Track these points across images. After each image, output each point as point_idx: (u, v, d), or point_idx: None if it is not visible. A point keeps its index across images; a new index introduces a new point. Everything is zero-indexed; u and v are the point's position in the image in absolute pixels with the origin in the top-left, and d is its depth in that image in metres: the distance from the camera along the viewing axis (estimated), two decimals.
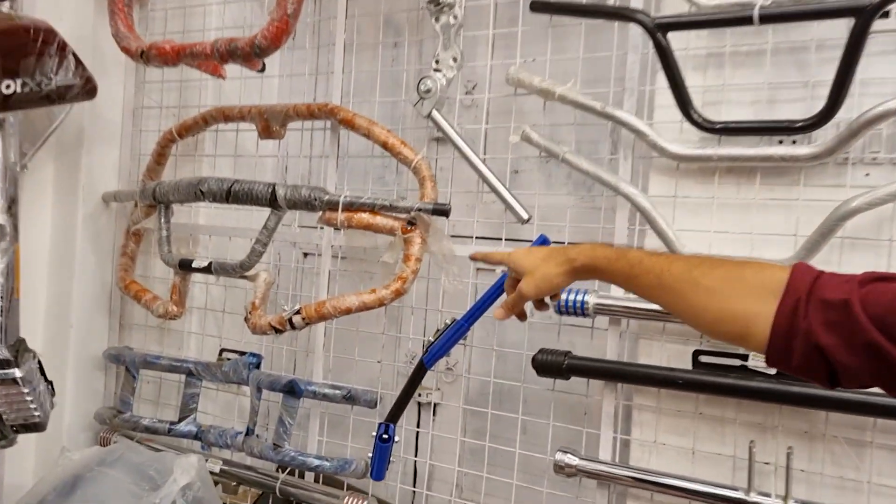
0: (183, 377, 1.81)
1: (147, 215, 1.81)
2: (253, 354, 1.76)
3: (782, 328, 0.76)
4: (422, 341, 1.81)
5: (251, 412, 1.72)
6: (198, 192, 1.62)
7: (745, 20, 1.21)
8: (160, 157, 1.88)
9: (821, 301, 0.74)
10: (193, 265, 1.66)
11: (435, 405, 1.88)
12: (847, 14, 1.14)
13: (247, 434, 1.70)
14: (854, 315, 0.70)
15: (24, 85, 1.47)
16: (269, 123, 1.71)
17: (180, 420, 1.79)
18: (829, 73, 1.18)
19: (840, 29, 1.19)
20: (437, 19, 1.53)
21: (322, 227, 1.69)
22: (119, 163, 1.99)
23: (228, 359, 1.78)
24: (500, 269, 1.49)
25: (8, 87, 1.45)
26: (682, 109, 1.29)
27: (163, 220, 1.72)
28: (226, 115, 1.77)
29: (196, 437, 1.77)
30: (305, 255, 2.01)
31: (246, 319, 1.61)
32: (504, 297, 1.14)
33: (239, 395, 1.84)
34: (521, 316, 1.13)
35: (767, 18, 1.20)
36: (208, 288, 1.90)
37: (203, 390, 1.82)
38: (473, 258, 1.25)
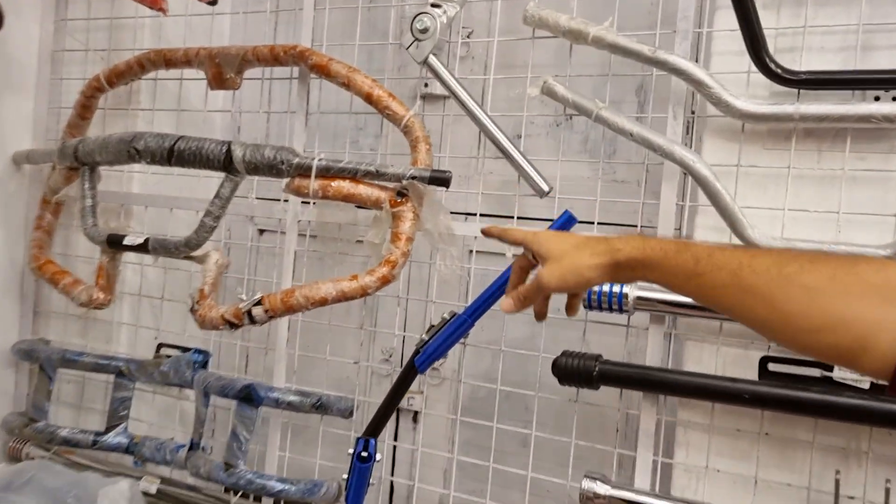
0: (112, 378, 1.49)
1: (68, 181, 1.47)
2: (198, 351, 1.46)
3: None
4: (399, 336, 1.54)
5: (196, 421, 1.41)
6: (132, 150, 1.29)
7: None
8: (85, 109, 1.54)
9: None
10: (125, 242, 1.33)
11: (416, 413, 1.59)
12: None
13: (190, 448, 1.40)
14: None
15: None
16: (222, 70, 1.39)
17: (108, 430, 1.47)
18: None
19: None
20: None
21: (286, 200, 1.38)
22: (34, 116, 1.65)
23: (168, 356, 1.47)
24: (510, 253, 1.22)
25: None
26: (754, 55, 1.03)
27: (87, 185, 1.38)
28: (167, 60, 1.44)
29: (128, 450, 1.46)
30: (262, 231, 1.70)
31: (192, 310, 1.29)
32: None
33: (180, 399, 1.53)
34: (541, 314, 0.86)
35: None
36: (143, 270, 1.57)
37: (137, 393, 1.51)
38: (488, 234, 0.95)
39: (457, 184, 1.33)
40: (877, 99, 1.02)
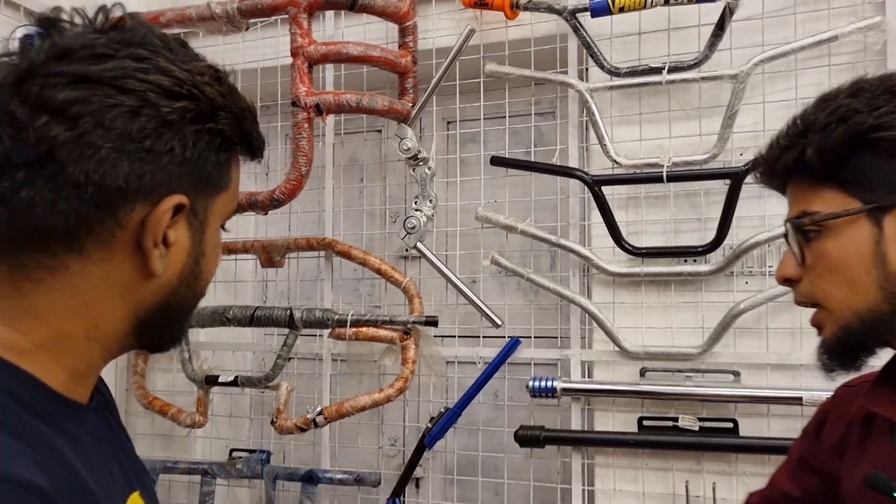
0: (198, 478, 2.08)
1: None
2: (262, 451, 2.06)
3: None
4: (400, 426, 2.19)
5: (267, 501, 2.01)
6: (223, 318, 1.93)
7: (658, 178, 1.71)
8: None
9: None
10: (220, 380, 1.96)
11: (418, 479, 2.23)
12: (725, 177, 1.66)
13: None
14: None
15: None
16: (271, 255, 2.06)
17: None
18: (716, 212, 1.69)
19: (721, 184, 1.71)
20: (414, 170, 1.95)
21: (320, 335, 2.04)
22: None
23: (240, 457, 2.07)
24: (481, 363, 1.91)
25: None
26: (615, 239, 1.77)
27: (185, 343, 2.01)
28: (229, 249, 2.09)
29: None
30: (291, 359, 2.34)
31: (272, 423, 1.92)
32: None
33: (251, 487, 2.12)
34: None
35: (672, 178, 1.70)
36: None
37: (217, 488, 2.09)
38: None
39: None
40: (685, 261, 1.77)
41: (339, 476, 1.95)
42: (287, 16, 1.86)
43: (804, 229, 0.87)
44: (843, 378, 0.95)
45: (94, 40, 0.65)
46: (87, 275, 0.65)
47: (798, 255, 0.89)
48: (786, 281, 0.91)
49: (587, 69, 1.88)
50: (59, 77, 0.62)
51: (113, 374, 2.21)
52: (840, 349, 0.88)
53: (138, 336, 0.71)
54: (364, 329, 1.91)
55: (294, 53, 1.84)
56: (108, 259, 0.66)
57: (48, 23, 0.66)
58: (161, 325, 0.72)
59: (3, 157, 0.62)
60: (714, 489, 1.67)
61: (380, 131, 2.23)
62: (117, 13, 0.69)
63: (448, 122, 2.19)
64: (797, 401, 1.61)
